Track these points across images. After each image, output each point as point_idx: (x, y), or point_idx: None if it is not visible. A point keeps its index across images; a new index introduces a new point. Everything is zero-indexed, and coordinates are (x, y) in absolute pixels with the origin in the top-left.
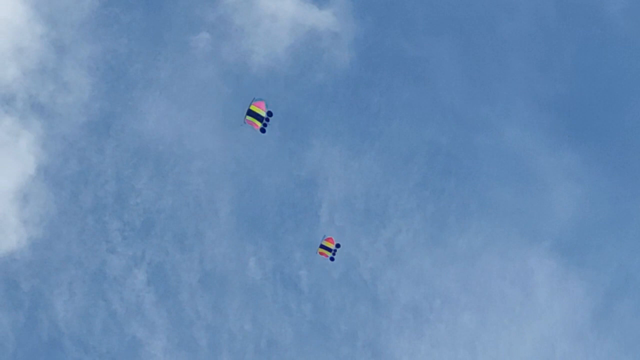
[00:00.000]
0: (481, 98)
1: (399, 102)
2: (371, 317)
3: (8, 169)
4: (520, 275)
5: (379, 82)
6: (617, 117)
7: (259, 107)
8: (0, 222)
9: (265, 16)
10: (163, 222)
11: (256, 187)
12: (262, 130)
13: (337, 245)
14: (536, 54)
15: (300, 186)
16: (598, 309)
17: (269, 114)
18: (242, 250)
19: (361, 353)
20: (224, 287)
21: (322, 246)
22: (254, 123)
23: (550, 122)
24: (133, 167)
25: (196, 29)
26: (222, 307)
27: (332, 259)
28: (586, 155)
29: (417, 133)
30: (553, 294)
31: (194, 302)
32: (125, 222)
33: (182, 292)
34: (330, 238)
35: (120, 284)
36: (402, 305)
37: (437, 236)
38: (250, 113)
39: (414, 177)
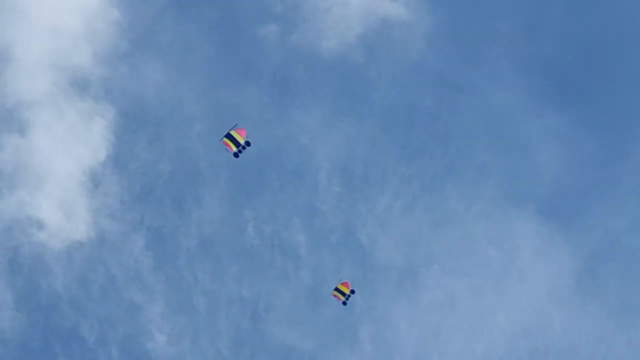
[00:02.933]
0: (467, 60)
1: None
2: (368, 282)
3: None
4: (505, 238)
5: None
6: (603, 79)
7: (239, 134)
8: (68, 209)
9: (337, 4)
10: (162, 187)
11: (255, 153)
12: (236, 155)
13: (352, 292)
14: (522, 17)
15: (299, 152)
16: (582, 272)
17: (247, 143)
18: (240, 215)
19: (359, 318)
20: (222, 253)
21: (337, 289)
22: (230, 146)
23: (536, 84)
24: (133, 131)
25: (265, 20)
26: (220, 272)
27: (344, 303)
28: (571, 118)
29: (403, 96)
30: (538, 257)
31: (192, 267)
32: (123, 187)
33: (181, 257)
34: (346, 283)
35: (119, 249)
36: (390, 269)
37: (421, 200)
38: (229, 137)
39: (401, 141)
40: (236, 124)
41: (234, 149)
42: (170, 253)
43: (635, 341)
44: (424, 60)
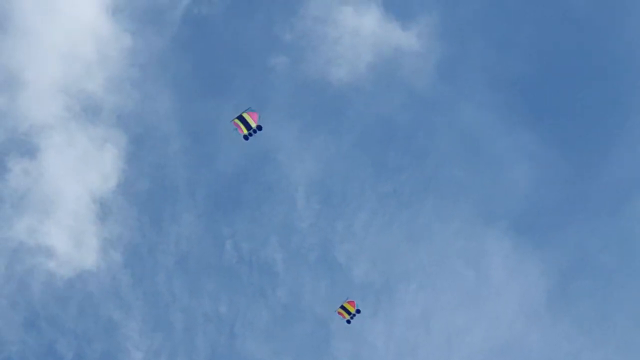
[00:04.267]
0: (443, 79)
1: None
2: (345, 299)
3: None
4: (479, 256)
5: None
6: (574, 97)
7: (251, 117)
8: (77, 238)
9: (347, 33)
10: (140, 204)
11: (233, 170)
12: (246, 138)
13: (358, 311)
14: (494, 34)
15: (277, 170)
16: (553, 289)
17: (259, 127)
18: (218, 233)
19: (335, 335)
20: (200, 270)
21: (342, 307)
22: (240, 127)
23: (508, 102)
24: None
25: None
26: (197, 289)
27: (348, 321)
28: (543, 135)
29: (375, 112)
30: (509, 274)
31: (170, 284)
32: (102, 204)
33: (158, 274)
34: (352, 302)
35: (97, 266)
36: (366, 286)
37: (395, 217)
38: (241, 119)
39: (374, 158)
40: (249, 107)
41: (245, 131)
42: (148, 270)
43: (607, 358)
44: (405, 79)
